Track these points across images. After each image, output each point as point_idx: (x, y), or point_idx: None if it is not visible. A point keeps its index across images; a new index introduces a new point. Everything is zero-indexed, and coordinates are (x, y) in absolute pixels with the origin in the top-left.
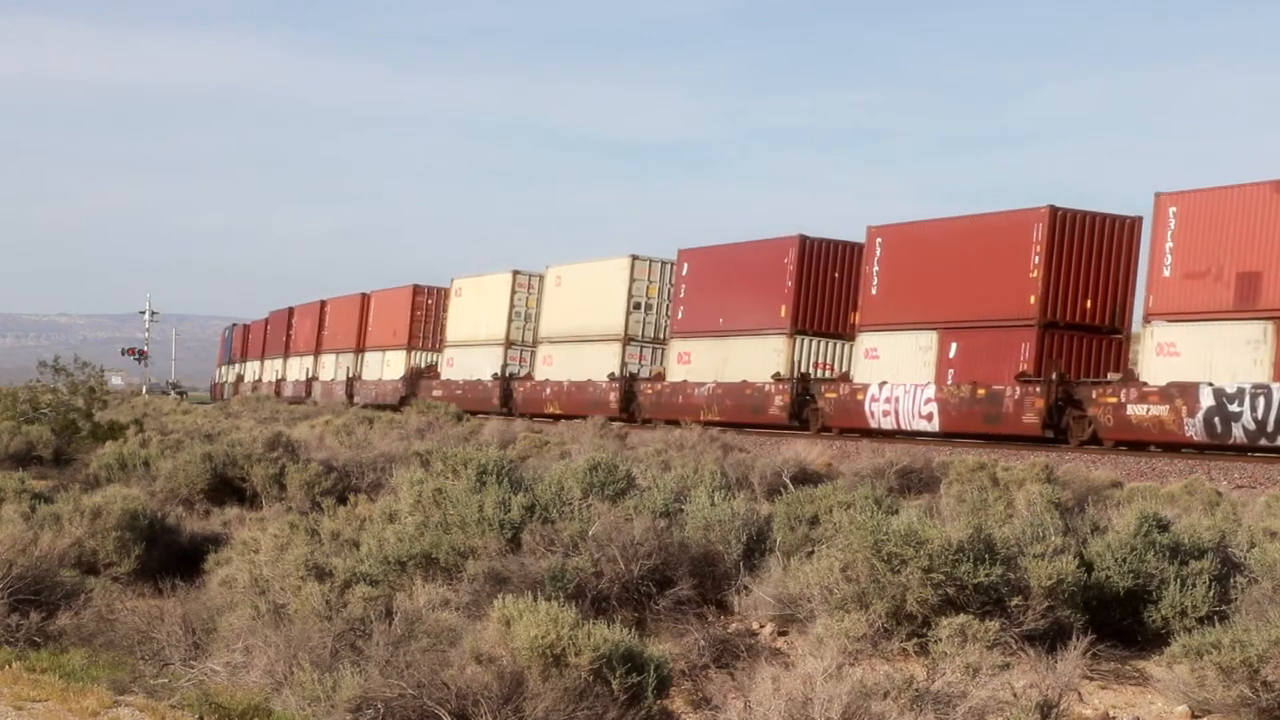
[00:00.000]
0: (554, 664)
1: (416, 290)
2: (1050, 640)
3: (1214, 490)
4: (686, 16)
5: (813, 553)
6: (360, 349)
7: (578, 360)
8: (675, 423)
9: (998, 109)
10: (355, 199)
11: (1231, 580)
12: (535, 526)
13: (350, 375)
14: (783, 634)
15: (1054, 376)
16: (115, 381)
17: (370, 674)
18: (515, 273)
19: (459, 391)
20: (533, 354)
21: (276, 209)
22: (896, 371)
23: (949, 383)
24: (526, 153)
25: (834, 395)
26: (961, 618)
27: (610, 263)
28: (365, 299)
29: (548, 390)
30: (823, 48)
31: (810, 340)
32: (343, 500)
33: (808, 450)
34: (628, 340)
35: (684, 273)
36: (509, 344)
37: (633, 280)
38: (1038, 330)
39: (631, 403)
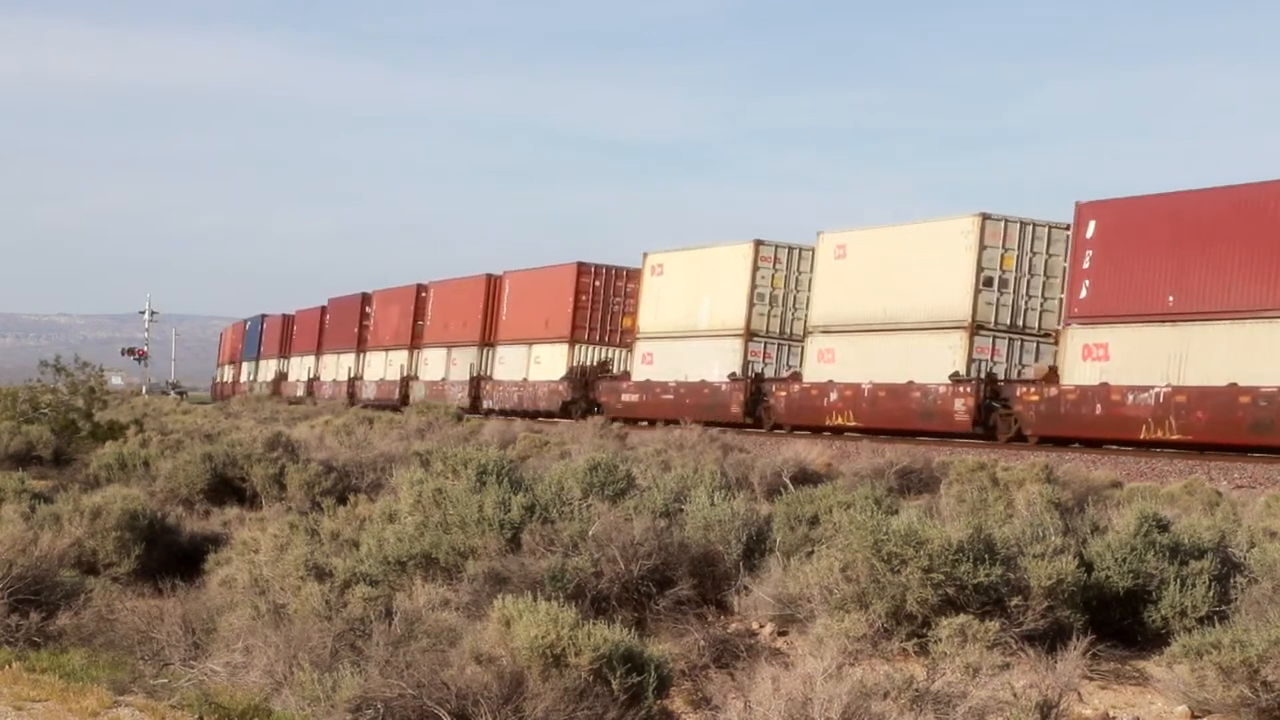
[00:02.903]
0: (554, 664)
1: (582, 269)
2: (1050, 640)
3: (1214, 490)
4: (686, 16)
5: (813, 553)
6: (488, 342)
7: (879, 356)
8: (1090, 443)
9: (998, 109)
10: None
11: (1231, 580)
12: (535, 526)
13: (475, 374)
14: (783, 634)
15: None
16: (115, 381)
17: (370, 674)
18: (758, 243)
19: (669, 396)
20: (782, 348)
21: (276, 209)
22: None
23: None
24: (526, 153)
25: None
26: (961, 618)
27: (943, 224)
28: (493, 281)
29: (833, 395)
30: (823, 48)
31: None
32: (343, 500)
33: (808, 450)
34: (975, 328)
35: (1088, 234)
36: (749, 335)
37: (982, 248)
38: None
39: (993, 412)
